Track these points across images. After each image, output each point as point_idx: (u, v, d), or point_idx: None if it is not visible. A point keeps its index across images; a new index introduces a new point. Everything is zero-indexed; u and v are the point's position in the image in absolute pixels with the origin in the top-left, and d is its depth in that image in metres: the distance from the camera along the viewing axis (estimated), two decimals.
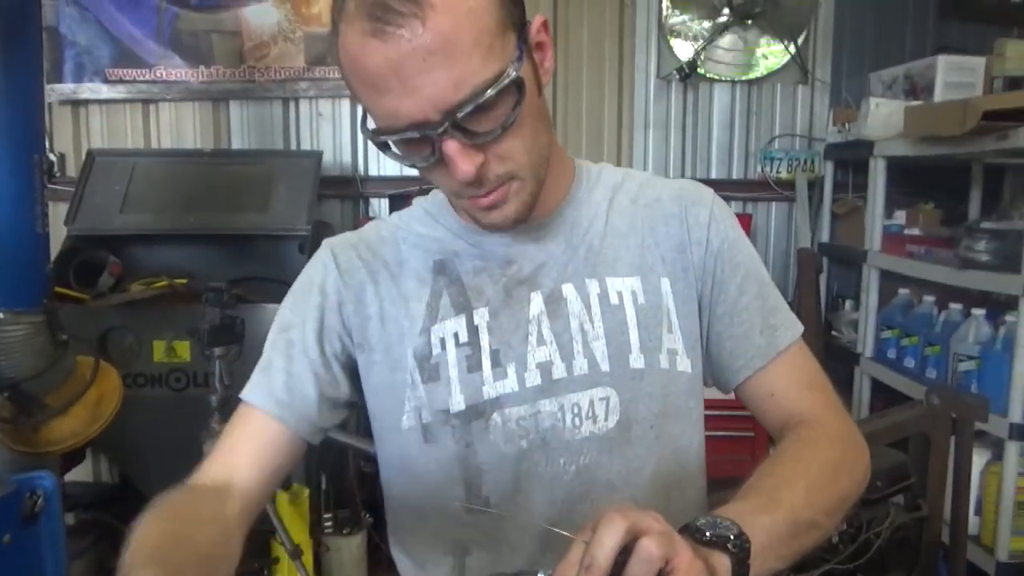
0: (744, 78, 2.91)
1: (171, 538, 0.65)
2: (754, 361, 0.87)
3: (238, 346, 1.92)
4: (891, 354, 2.50)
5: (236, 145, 2.86)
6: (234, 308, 1.94)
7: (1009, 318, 2.03)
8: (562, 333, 0.82)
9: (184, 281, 2.28)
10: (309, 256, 0.92)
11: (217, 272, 2.45)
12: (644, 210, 0.89)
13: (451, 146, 0.69)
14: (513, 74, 0.68)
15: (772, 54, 2.89)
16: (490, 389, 0.80)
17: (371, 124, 0.73)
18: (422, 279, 0.85)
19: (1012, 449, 1.95)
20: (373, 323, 0.85)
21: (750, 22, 2.82)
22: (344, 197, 2.90)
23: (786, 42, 2.84)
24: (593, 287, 0.84)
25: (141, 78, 2.75)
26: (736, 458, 2.38)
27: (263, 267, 2.52)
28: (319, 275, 0.87)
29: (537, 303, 0.83)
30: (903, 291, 2.52)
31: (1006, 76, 2.30)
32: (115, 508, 2.41)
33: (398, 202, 2.80)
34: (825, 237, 2.95)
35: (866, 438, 1.74)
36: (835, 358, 2.77)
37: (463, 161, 0.70)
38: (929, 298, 2.40)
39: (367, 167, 2.90)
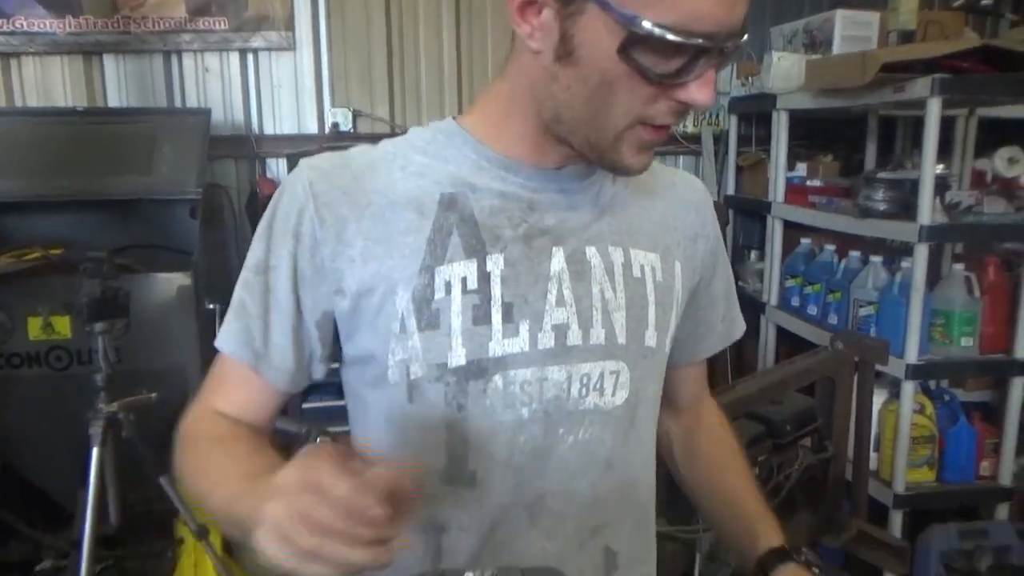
0: None
1: (219, 429, 0.74)
2: (712, 346, 0.93)
3: (123, 320, 1.77)
4: (795, 302, 2.57)
5: (113, 103, 2.63)
6: (116, 279, 1.78)
7: (905, 264, 2.11)
8: (583, 297, 0.75)
9: (59, 251, 2.09)
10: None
11: (98, 240, 2.26)
12: (663, 191, 0.85)
13: (712, 68, 0.64)
14: None
15: None
16: (497, 346, 0.71)
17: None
18: (424, 211, 0.73)
19: (908, 388, 2.05)
20: (356, 265, 0.72)
21: None
22: (238, 157, 2.71)
23: None
24: (617, 255, 0.77)
25: None
26: None
27: (149, 233, 2.34)
28: (294, 212, 0.74)
29: (559, 259, 0.74)
30: (805, 240, 2.58)
31: (900, 30, 2.35)
32: None
33: (297, 161, 2.64)
34: (731, 189, 2.99)
35: (778, 385, 1.76)
36: (742, 307, 2.80)
37: (712, 86, 0.65)
38: (830, 247, 2.48)
39: (262, 125, 2.72)
